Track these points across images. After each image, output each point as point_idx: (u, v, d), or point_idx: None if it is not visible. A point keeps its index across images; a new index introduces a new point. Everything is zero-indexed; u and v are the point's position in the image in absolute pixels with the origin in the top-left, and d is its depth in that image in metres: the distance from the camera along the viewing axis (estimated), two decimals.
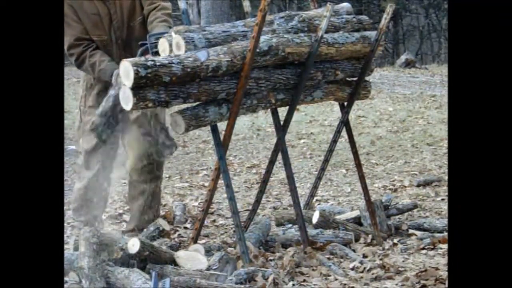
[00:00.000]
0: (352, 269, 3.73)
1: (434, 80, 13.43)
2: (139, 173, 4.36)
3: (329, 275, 3.62)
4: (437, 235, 4.33)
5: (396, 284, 3.49)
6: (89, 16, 4.10)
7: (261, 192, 4.33)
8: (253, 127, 9.24)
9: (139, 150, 4.31)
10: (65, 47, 4.13)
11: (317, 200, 5.46)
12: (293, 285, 3.47)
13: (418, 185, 6.00)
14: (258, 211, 4.56)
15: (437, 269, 3.62)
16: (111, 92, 3.78)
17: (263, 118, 9.51)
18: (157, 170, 4.38)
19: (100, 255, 3.20)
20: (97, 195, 4.34)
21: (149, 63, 3.30)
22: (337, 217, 4.56)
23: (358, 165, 4.44)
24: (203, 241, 4.22)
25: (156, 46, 3.66)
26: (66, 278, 3.24)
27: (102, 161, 4.28)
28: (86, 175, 4.31)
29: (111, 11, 4.11)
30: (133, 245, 3.39)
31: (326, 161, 4.60)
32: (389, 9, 4.19)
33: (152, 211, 4.43)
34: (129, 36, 4.16)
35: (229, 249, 4.00)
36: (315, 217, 4.34)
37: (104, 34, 4.12)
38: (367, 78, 4.38)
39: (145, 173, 4.34)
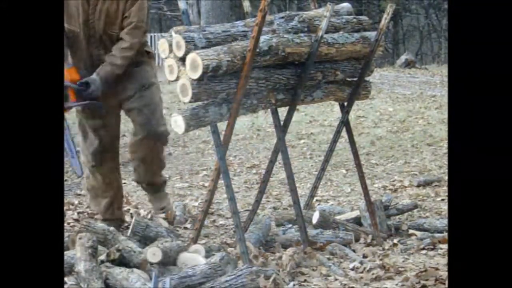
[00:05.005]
0: (352, 269, 3.73)
1: (434, 80, 13.43)
2: (138, 145, 4.37)
3: (329, 275, 3.62)
4: (437, 235, 4.33)
5: (396, 284, 3.49)
6: (70, 7, 4.12)
7: (261, 192, 4.33)
8: (253, 127, 9.25)
9: (134, 123, 4.32)
10: None
11: (317, 200, 5.46)
12: (294, 285, 3.47)
13: (418, 185, 6.00)
14: (258, 211, 4.56)
15: (437, 269, 3.62)
16: None
17: (263, 118, 9.51)
18: (155, 141, 4.36)
19: (96, 257, 3.20)
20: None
21: None
22: (337, 217, 4.55)
23: (358, 165, 4.44)
24: (203, 241, 4.22)
25: (83, 91, 4.03)
26: (65, 279, 3.24)
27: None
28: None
29: (89, 11, 4.12)
30: (154, 254, 3.42)
31: (326, 161, 4.60)
32: (389, 9, 4.19)
33: (158, 170, 4.53)
34: (105, 38, 4.19)
35: (229, 249, 3.99)
36: (315, 217, 4.34)
37: (76, 28, 4.14)
38: (367, 78, 4.38)
39: (142, 145, 4.35)
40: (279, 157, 4.18)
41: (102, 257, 3.39)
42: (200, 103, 3.62)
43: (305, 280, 3.56)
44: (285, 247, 4.05)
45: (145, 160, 4.42)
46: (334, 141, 4.53)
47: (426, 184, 6.03)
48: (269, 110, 4.11)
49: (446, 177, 6.00)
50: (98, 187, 4.42)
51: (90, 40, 4.16)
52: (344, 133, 4.52)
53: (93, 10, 4.12)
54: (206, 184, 5.32)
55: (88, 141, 4.32)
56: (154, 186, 4.60)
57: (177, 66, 3.55)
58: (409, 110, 9.98)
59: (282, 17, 3.98)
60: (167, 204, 4.66)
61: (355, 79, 4.30)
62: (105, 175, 4.39)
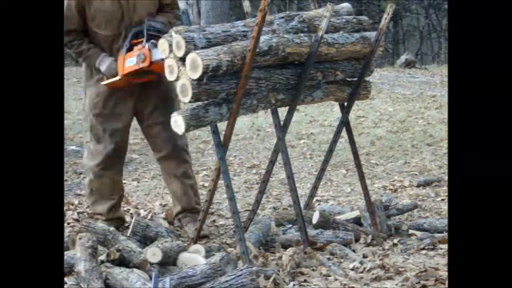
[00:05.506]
0: (352, 269, 3.73)
1: (434, 80, 13.43)
2: (163, 161, 4.44)
3: (329, 275, 3.62)
4: (437, 235, 4.33)
5: (396, 285, 3.49)
6: (99, 13, 4.15)
7: (261, 192, 4.33)
8: (253, 127, 9.24)
9: (158, 138, 4.35)
10: None
11: (317, 200, 5.45)
12: (294, 285, 3.47)
13: (418, 185, 6.00)
14: (258, 211, 4.55)
15: (437, 269, 3.62)
16: None
17: (263, 118, 9.51)
18: (181, 155, 4.42)
19: (96, 257, 3.20)
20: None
21: None
22: (337, 217, 4.55)
23: (358, 165, 4.44)
24: (203, 241, 4.22)
25: (152, 30, 4.01)
26: (65, 279, 3.24)
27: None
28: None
29: (124, 9, 4.14)
30: (154, 254, 3.42)
31: (326, 161, 4.60)
32: (389, 9, 4.18)
33: (192, 191, 4.51)
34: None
35: (229, 249, 3.99)
36: (315, 217, 4.34)
37: (112, 30, 4.17)
38: (367, 78, 4.37)
39: (169, 160, 4.40)
40: (279, 157, 4.18)
41: (102, 257, 3.40)
42: (200, 103, 3.62)
43: (305, 280, 3.56)
44: (285, 247, 4.05)
45: (178, 177, 4.46)
46: (334, 141, 4.53)
47: (426, 184, 6.02)
48: (269, 110, 4.11)
49: (446, 177, 6.00)
50: (104, 189, 4.42)
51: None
52: (344, 133, 4.52)
53: (127, 8, 4.15)
54: (206, 184, 5.32)
55: (102, 145, 4.32)
56: (193, 214, 4.53)
57: (177, 66, 3.55)
58: (409, 110, 9.98)
59: (282, 17, 3.98)
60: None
61: (355, 79, 4.30)
62: (113, 177, 4.40)
